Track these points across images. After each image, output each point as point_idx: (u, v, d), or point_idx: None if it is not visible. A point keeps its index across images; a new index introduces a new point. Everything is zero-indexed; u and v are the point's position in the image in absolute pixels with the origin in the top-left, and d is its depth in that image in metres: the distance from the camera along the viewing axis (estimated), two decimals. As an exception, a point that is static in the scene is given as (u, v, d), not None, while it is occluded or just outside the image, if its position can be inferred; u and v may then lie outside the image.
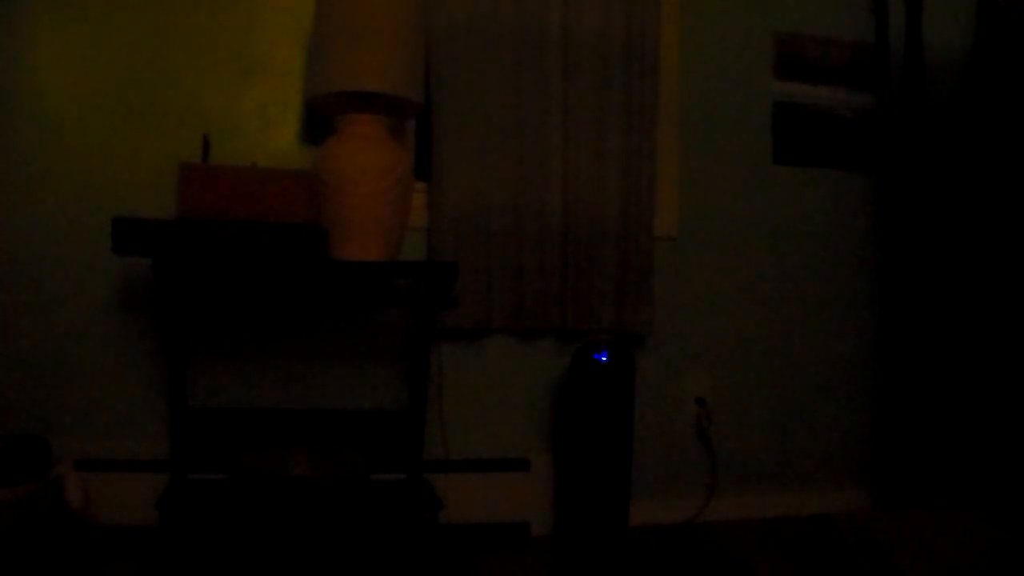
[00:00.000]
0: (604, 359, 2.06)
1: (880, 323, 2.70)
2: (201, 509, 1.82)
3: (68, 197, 2.09)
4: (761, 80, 2.58)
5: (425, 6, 2.20)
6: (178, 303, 1.97)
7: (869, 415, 2.68)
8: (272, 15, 2.21)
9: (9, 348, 2.06)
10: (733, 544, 2.28)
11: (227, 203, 1.78)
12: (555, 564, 2.09)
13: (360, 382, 2.26)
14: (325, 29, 1.87)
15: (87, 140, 2.10)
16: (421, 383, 2.14)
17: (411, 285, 2.27)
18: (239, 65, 2.19)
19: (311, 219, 1.84)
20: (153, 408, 2.13)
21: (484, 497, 2.22)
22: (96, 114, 2.11)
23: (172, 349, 1.99)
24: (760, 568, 2.07)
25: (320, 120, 2.24)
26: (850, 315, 2.66)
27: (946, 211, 2.60)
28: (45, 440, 1.90)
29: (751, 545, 2.27)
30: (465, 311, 2.25)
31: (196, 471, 2.08)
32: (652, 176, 2.37)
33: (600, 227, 2.33)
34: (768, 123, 2.59)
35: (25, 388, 2.07)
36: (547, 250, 2.31)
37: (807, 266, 2.63)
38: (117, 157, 2.12)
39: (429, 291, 2.14)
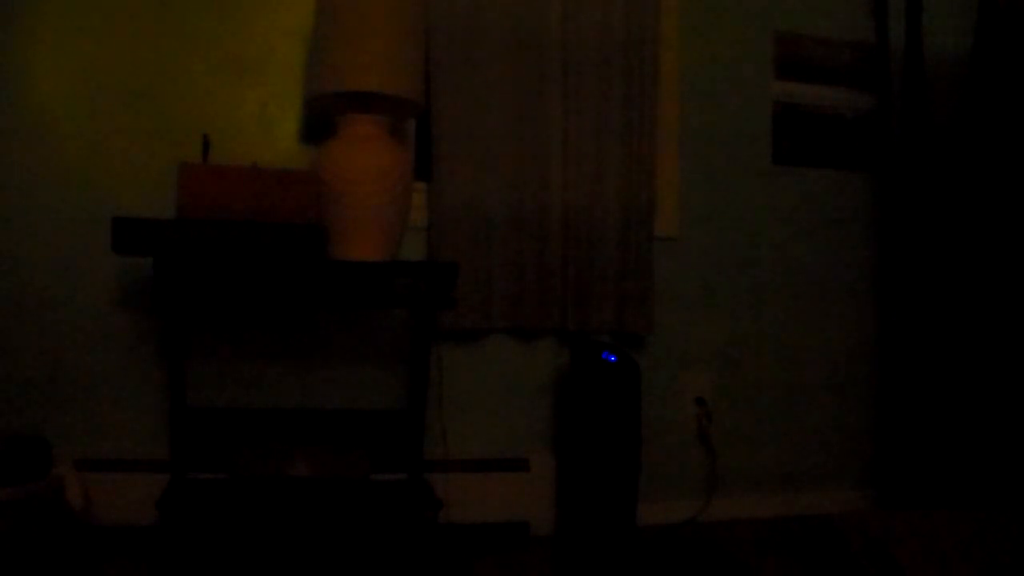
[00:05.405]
0: (613, 360, 2.06)
1: (880, 323, 2.70)
2: (201, 509, 1.82)
3: (68, 197, 2.09)
4: (761, 80, 2.58)
5: (425, 6, 2.20)
6: (178, 303, 1.97)
7: (870, 415, 2.68)
8: (272, 15, 2.21)
9: (9, 348, 2.06)
10: (733, 544, 2.28)
11: (227, 203, 1.78)
12: (558, 564, 2.08)
13: (360, 382, 2.26)
14: (325, 29, 1.87)
15: (87, 140, 2.10)
16: (421, 383, 2.14)
17: (411, 285, 2.27)
18: (239, 65, 2.19)
19: (311, 219, 1.84)
20: (153, 408, 2.13)
21: (484, 497, 2.22)
22: (96, 114, 2.11)
23: (172, 349, 1.99)
24: (760, 568, 2.07)
25: (320, 120, 2.24)
26: (850, 315, 2.66)
27: (946, 211, 2.59)
28: (45, 440, 1.90)
29: (751, 545, 2.27)
30: (465, 311, 2.25)
31: (196, 471, 2.08)
32: (652, 176, 2.37)
33: (600, 227, 2.33)
34: (768, 123, 2.59)
35: (25, 388, 2.07)
36: (547, 250, 2.31)
37: (807, 266, 2.63)
38: (117, 157, 2.12)
39: (429, 291, 2.14)
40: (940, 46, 2.73)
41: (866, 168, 2.68)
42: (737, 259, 2.56)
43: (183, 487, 1.96)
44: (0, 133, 2.06)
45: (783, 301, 2.61)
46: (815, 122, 2.63)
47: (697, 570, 2.05)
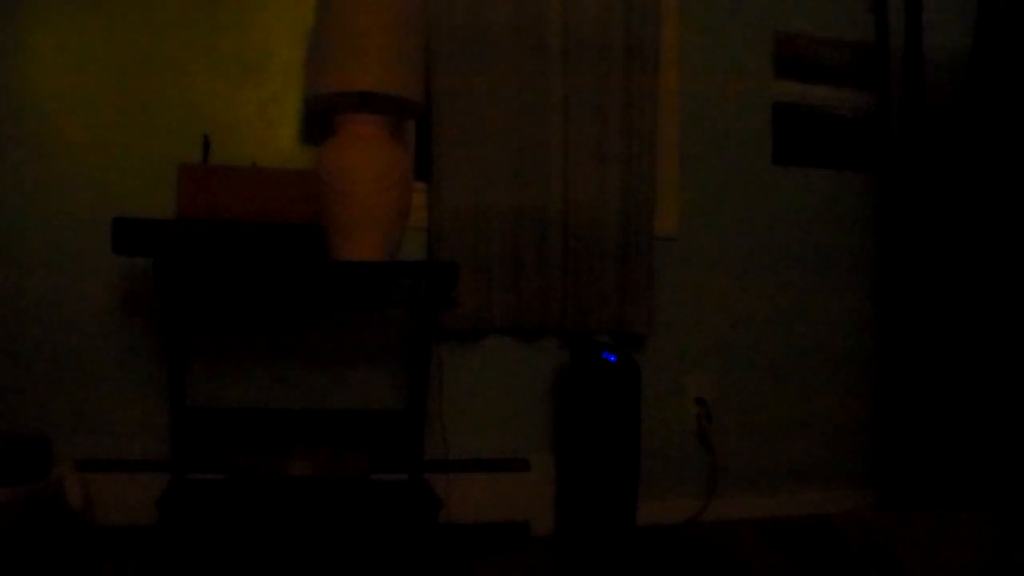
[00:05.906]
0: (613, 360, 2.06)
1: (880, 323, 2.70)
2: (201, 509, 1.82)
3: (68, 197, 2.09)
4: (761, 80, 2.58)
5: (425, 6, 2.20)
6: (178, 303, 1.97)
7: (870, 415, 2.68)
8: (272, 14, 2.21)
9: (10, 348, 2.06)
10: (733, 544, 2.28)
11: (227, 203, 1.78)
12: (558, 564, 2.08)
13: (360, 382, 2.26)
14: (325, 29, 1.87)
15: (87, 140, 2.10)
16: (421, 383, 2.14)
17: (411, 285, 2.27)
18: (239, 65, 2.19)
19: (311, 219, 1.84)
20: (153, 408, 2.13)
21: (484, 497, 2.22)
22: (96, 114, 2.11)
23: (172, 349, 1.99)
24: (760, 568, 2.07)
25: (320, 120, 2.24)
26: (850, 315, 2.66)
27: (946, 211, 2.59)
28: (45, 440, 1.90)
29: (751, 545, 2.27)
30: (465, 311, 2.25)
31: (196, 471, 2.08)
32: (652, 176, 2.37)
33: (600, 227, 2.33)
34: (768, 123, 2.59)
35: (25, 388, 2.07)
36: (547, 250, 2.31)
37: (807, 266, 2.63)
38: (117, 157, 2.12)
39: (429, 291, 2.14)
40: (940, 46, 2.73)
41: (866, 168, 2.68)
42: (737, 259, 2.56)
43: (183, 487, 1.96)
44: (0, 134, 2.06)
45: (783, 301, 2.60)
46: (815, 122, 2.63)
47: (697, 570, 2.05)
